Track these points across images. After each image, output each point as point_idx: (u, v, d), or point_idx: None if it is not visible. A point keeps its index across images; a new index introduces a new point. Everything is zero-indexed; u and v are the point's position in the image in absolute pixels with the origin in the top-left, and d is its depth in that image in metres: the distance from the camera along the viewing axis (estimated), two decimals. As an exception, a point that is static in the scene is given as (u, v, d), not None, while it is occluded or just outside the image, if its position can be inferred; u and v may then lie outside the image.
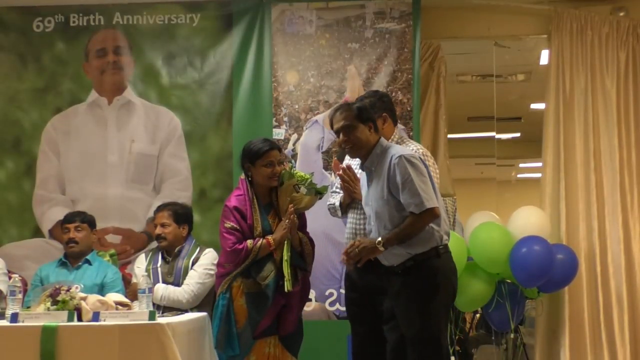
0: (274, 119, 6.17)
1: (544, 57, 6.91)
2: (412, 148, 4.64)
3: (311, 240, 4.89)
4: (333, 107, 4.61)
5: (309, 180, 4.77)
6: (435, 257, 4.19)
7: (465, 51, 7.49)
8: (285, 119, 6.17)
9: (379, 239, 4.17)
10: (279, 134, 6.15)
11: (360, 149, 4.29)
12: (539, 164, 6.51)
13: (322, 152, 6.10)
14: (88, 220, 5.58)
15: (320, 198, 4.81)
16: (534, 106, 9.32)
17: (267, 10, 6.24)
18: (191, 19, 6.31)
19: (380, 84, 6.11)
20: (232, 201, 4.82)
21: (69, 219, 5.59)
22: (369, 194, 4.32)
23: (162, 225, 5.50)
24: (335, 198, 4.81)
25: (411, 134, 6.04)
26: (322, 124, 6.11)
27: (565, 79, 6.35)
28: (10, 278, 4.87)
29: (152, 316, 4.02)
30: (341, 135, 4.28)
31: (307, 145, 6.12)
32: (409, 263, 4.19)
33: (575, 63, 6.36)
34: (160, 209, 5.60)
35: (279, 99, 6.19)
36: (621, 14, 6.43)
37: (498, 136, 8.24)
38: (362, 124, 4.27)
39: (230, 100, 6.25)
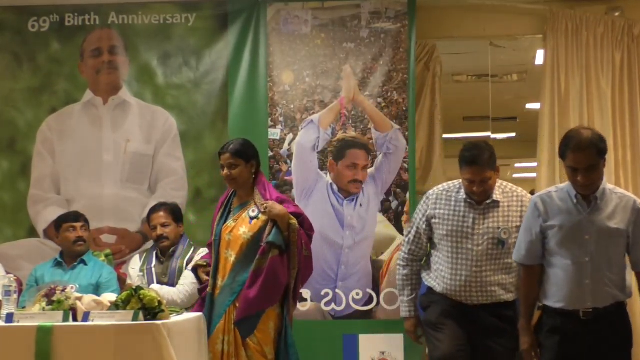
0: (270, 118, 6.16)
1: (539, 57, 6.92)
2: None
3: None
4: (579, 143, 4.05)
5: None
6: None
7: (460, 51, 7.50)
8: (281, 118, 6.16)
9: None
10: (274, 133, 6.15)
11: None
12: (534, 164, 6.52)
13: (318, 152, 6.09)
14: (86, 220, 5.68)
15: None
16: (529, 106, 9.36)
17: (263, 10, 6.23)
18: (187, 19, 6.30)
19: (375, 84, 6.12)
20: None
21: (74, 217, 5.66)
22: (586, 223, 4.07)
23: (163, 225, 5.53)
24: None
25: (406, 134, 6.04)
26: (318, 124, 6.10)
27: (560, 79, 6.35)
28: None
29: (135, 316, 4.00)
30: (581, 176, 4.01)
31: (303, 145, 6.11)
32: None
33: (571, 63, 6.36)
34: (156, 209, 5.62)
35: (274, 98, 6.18)
36: (616, 14, 6.43)
37: (493, 136, 8.27)
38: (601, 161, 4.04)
39: (225, 100, 6.24)
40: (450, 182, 4.80)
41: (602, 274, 4.03)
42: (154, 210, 5.64)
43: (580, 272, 4.03)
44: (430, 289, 4.80)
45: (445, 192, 4.73)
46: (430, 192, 4.80)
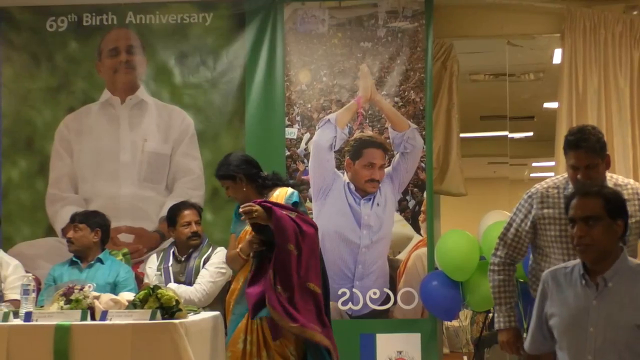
0: (287, 118, 6.17)
1: (557, 56, 6.89)
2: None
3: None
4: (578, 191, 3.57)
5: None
6: None
7: (477, 50, 7.48)
8: (298, 118, 6.16)
9: None
10: (291, 133, 6.15)
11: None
12: (552, 163, 6.48)
13: (335, 152, 6.09)
14: (88, 221, 5.59)
15: None
16: (546, 105, 9.32)
17: (280, 9, 6.23)
18: (204, 18, 6.31)
19: (392, 83, 6.11)
20: None
21: (71, 218, 5.68)
22: (592, 312, 3.32)
23: (197, 222, 5.55)
24: None
25: (423, 133, 6.03)
26: (335, 123, 6.10)
27: (578, 78, 6.32)
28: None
29: (153, 315, 4.01)
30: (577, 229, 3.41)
31: (320, 145, 6.11)
32: None
33: (588, 62, 6.33)
34: (182, 207, 5.59)
35: (291, 98, 6.18)
36: (634, 12, 6.40)
37: (511, 135, 8.22)
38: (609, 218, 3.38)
39: (242, 99, 6.24)
40: (555, 178, 4.35)
41: None
42: (181, 208, 5.60)
43: None
44: None
45: (551, 189, 4.27)
46: (534, 189, 4.33)
